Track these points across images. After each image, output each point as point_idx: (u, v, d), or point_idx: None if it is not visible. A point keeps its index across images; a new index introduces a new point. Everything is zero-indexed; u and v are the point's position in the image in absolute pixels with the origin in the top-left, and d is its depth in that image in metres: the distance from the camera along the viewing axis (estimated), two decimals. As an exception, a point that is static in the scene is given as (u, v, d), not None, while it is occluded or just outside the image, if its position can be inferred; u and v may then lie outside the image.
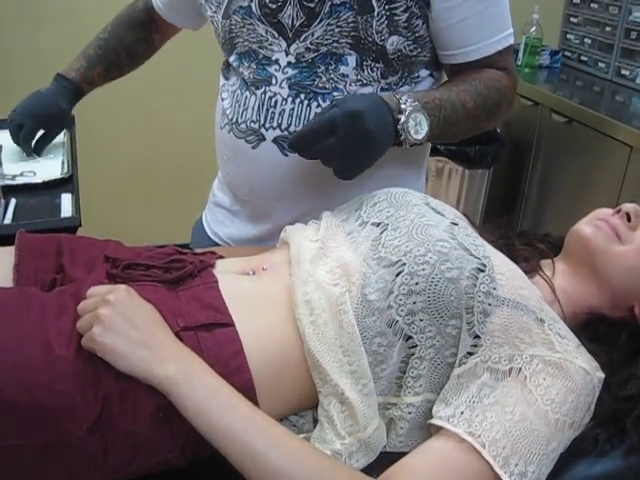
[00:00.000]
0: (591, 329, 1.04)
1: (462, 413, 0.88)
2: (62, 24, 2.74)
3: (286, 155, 1.23)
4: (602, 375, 0.93)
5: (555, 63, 3.27)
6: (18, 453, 0.82)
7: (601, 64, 3.08)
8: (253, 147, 1.25)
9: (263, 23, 1.20)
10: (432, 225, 1.00)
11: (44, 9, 2.74)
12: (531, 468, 0.85)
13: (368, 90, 1.21)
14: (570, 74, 3.21)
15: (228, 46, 1.28)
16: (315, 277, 0.98)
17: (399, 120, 1.09)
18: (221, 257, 1.13)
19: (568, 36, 3.30)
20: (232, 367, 0.91)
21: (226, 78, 1.35)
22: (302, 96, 1.21)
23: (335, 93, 1.21)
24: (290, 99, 1.22)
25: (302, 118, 1.22)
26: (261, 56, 1.22)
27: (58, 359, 0.85)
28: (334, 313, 0.94)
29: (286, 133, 1.22)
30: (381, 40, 1.16)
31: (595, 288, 1.07)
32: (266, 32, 1.20)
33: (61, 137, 1.75)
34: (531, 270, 1.10)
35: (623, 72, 2.95)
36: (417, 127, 1.11)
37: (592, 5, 3.12)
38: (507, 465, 0.84)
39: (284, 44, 1.20)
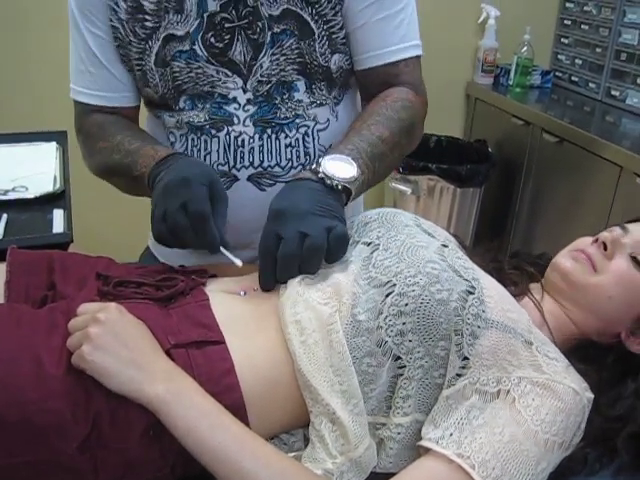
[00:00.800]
0: (581, 351, 1.04)
1: (451, 435, 0.89)
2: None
3: (263, 190, 1.23)
4: (591, 395, 0.94)
5: (546, 83, 3.29)
6: (8, 471, 0.82)
7: (592, 84, 3.10)
8: (227, 188, 1.21)
9: (213, 64, 1.17)
10: (423, 246, 1.01)
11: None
12: None
13: (325, 110, 1.23)
14: (561, 94, 3.24)
15: (174, 93, 1.20)
16: (305, 297, 0.99)
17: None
18: (213, 276, 1.13)
19: (559, 57, 3.33)
20: (223, 385, 0.91)
21: (157, 117, 1.29)
22: (269, 131, 1.21)
23: (297, 120, 1.21)
24: (257, 136, 1.21)
25: (273, 152, 1.21)
26: (216, 95, 1.19)
27: (48, 377, 0.85)
28: (325, 333, 0.94)
29: (260, 169, 1.21)
30: (325, 61, 1.18)
31: (580, 317, 1.08)
32: (217, 72, 1.17)
33: (53, 152, 1.75)
34: (520, 294, 1.10)
35: (613, 93, 2.98)
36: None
37: (582, 26, 3.15)
38: None
39: (240, 81, 1.18)
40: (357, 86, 1.31)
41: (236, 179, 1.23)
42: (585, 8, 3.13)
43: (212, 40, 1.15)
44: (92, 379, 0.85)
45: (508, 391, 0.90)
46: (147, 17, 1.16)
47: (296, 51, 1.17)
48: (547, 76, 3.29)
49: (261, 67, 1.18)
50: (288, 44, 1.16)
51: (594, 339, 1.07)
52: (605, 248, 1.08)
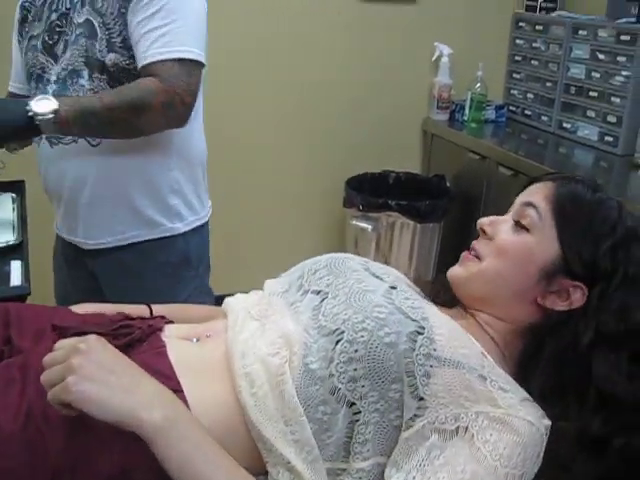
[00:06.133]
0: (531, 361, 1.04)
1: (414, 478, 0.89)
2: None
3: (52, 147, 1.62)
4: (548, 422, 0.94)
5: (500, 117, 3.36)
6: None
7: (544, 117, 3.18)
8: (38, 145, 1.65)
9: (44, 55, 1.60)
10: (370, 291, 1.01)
11: None
12: None
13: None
14: (515, 127, 3.31)
15: (28, 75, 1.66)
16: (255, 349, 0.99)
17: (27, 104, 1.39)
18: (170, 322, 1.13)
19: (512, 91, 3.41)
20: None
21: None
22: None
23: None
24: None
25: None
26: (45, 78, 1.61)
27: (5, 436, 0.84)
28: (274, 384, 0.95)
29: None
30: (102, 57, 1.52)
31: (498, 309, 1.08)
32: (46, 61, 1.60)
33: (10, 203, 1.74)
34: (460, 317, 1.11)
35: (565, 125, 3.05)
36: (41, 103, 1.39)
37: (533, 62, 3.24)
38: None
39: (56, 68, 1.59)
40: None
41: (41, 138, 1.61)
42: (534, 44, 3.22)
43: (46, 38, 1.60)
44: (50, 433, 0.85)
45: (467, 427, 0.91)
46: (26, 25, 1.65)
47: (83, 47, 1.54)
48: (501, 110, 3.37)
49: (65, 58, 1.57)
50: (81, 42, 1.54)
51: (528, 325, 1.06)
52: (485, 233, 1.10)
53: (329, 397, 0.93)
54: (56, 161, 1.64)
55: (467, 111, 3.28)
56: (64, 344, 0.88)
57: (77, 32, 1.54)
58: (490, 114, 3.33)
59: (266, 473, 0.95)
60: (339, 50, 3.14)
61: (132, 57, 1.52)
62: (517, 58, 3.36)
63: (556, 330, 1.03)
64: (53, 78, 1.59)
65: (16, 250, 1.54)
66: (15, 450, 0.83)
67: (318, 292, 1.06)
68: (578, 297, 1.03)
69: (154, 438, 0.83)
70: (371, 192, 3.02)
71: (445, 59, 3.26)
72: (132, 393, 0.84)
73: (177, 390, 0.94)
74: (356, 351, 0.93)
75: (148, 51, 1.48)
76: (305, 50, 3.05)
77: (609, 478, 0.97)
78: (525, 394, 0.97)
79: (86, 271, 1.76)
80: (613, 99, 2.80)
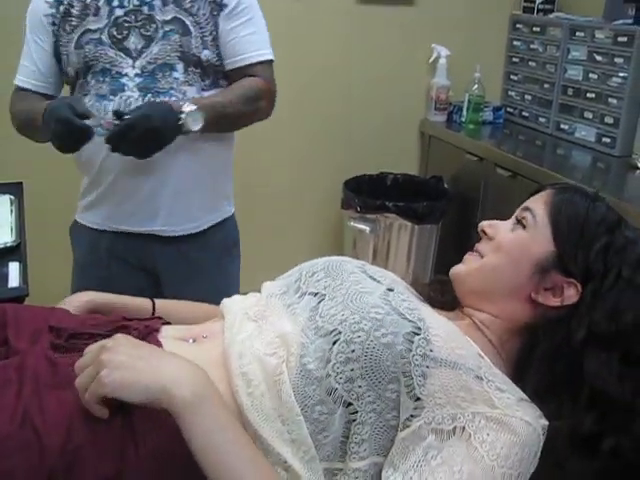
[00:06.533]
0: (526, 360, 1.05)
1: (411, 478, 0.89)
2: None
3: None
4: (545, 422, 0.95)
5: (498, 119, 3.37)
6: None
7: (542, 119, 3.18)
8: None
9: (112, 49, 1.67)
10: (367, 292, 1.02)
11: None
12: None
13: (193, 89, 1.70)
14: (513, 129, 3.31)
15: (84, 69, 1.70)
16: (253, 349, 1.00)
17: (180, 118, 1.55)
18: (167, 323, 1.13)
19: (509, 93, 3.41)
20: (179, 432, 0.91)
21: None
22: (149, 95, 1.67)
23: (171, 91, 1.68)
24: (140, 98, 1.66)
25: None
26: (114, 72, 1.67)
27: (1, 437, 0.84)
28: (271, 384, 0.95)
29: None
30: (198, 53, 1.68)
31: (495, 306, 1.09)
32: (115, 55, 1.67)
33: (8, 204, 1.75)
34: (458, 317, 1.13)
35: (562, 126, 3.05)
36: (194, 121, 1.56)
37: (530, 63, 3.24)
38: None
39: (130, 61, 1.68)
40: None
41: None
42: (532, 46, 3.22)
43: (114, 32, 1.67)
44: (46, 434, 0.85)
45: (464, 428, 0.92)
46: (73, 19, 1.69)
47: (178, 43, 1.67)
48: (498, 112, 3.37)
49: (151, 52, 1.67)
50: (173, 39, 1.67)
51: (522, 325, 1.08)
52: (486, 234, 1.13)
53: (326, 397, 0.94)
54: None
55: (465, 112, 3.28)
56: (91, 348, 0.91)
57: (165, 29, 1.67)
58: (488, 115, 3.33)
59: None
60: (337, 52, 3.14)
61: (219, 55, 1.73)
62: (514, 60, 3.37)
63: (550, 328, 1.03)
64: (134, 71, 1.67)
65: (14, 252, 1.55)
66: (11, 451, 0.84)
67: (315, 294, 1.07)
68: (572, 294, 1.04)
69: (183, 413, 0.85)
70: (369, 194, 3.02)
71: (443, 60, 3.26)
72: (161, 372, 0.88)
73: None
74: (353, 351, 0.94)
75: (245, 54, 1.73)
76: (303, 52, 3.05)
77: (603, 477, 0.98)
78: (522, 394, 0.97)
79: (138, 264, 1.82)
80: (610, 100, 2.80)
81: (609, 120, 2.81)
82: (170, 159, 1.68)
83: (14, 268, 1.48)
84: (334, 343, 0.95)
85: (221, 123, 1.69)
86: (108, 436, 0.89)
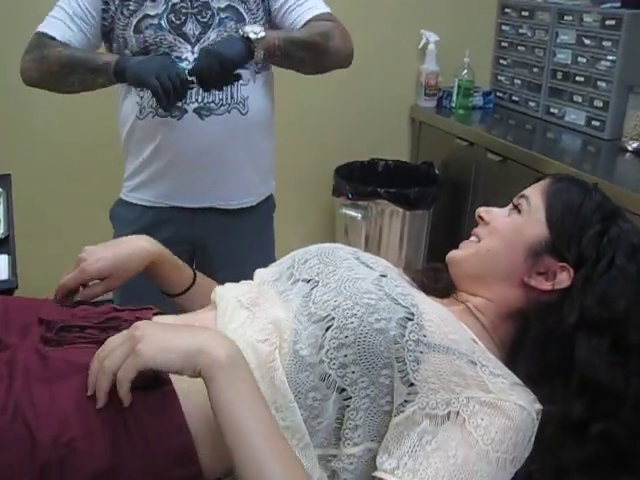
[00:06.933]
0: (519, 345, 1.05)
1: (406, 464, 0.90)
2: None
3: (203, 119, 1.76)
4: (540, 406, 0.95)
5: (488, 104, 3.36)
6: None
7: (531, 103, 3.18)
8: (178, 119, 1.75)
9: (171, 34, 1.74)
10: (360, 278, 1.02)
11: None
12: None
13: (247, 72, 1.76)
14: (503, 113, 3.31)
15: (143, 53, 1.73)
16: (245, 337, 1.00)
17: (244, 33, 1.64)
18: (159, 313, 1.13)
19: (499, 77, 3.41)
20: (171, 427, 0.91)
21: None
22: None
23: None
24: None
25: (210, 92, 1.72)
26: (174, 56, 1.73)
27: None
28: (265, 370, 0.95)
29: (202, 104, 1.75)
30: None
31: (489, 290, 1.10)
32: (174, 40, 1.74)
33: (-4, 197, 1.74)
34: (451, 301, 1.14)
35: (552, 110, 3.05)
36: (254, 32, 1.64)
37: (519, 48, 3.23)
38: None
39: (189, 47, 1.75)
40: (273, 77, 1.94)
41: (186, 111, 1.74)
42: (520, 30, 3.21)
43: (172, 18, 1.74)
44: (38, 428, 0.85)
45: (458, 412, 0.92)
46: (131, 3, 1.74)
47: (234, 29, 1.75)
48: (488, 97, 3.36)
49: (208, 39, 1.75)
50: (229, 25, 1.76)
51: (521, 306, 1.08)
52: (482, 219, 1.15)
53: (319, 383, 0.94)
54: (206, 131, 1.77)
55: (455, 98, 3.27)
56: (114, 338, 0.92)
57: (222, 15, 1.76)
58: (478, 100, 3.32)
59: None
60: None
61: None
62: (503, 44, 3.36)
63: (542, 313, 1.04)
64: (193, 56, 1.73)
65: (3, 244, 1.55)
66: (3, 446, 0.83)
67: (308, 280, 1.07)
68: (564, 278, 1.05)
69: (217, 375, 0.86)
70: (360, 180, 3.02)
71: (432, 46, 3.25)
72: (196, 337, 0.90)
73: (166, 380, 0.94)
74: (346, 337, 0.94)
75: (303, 14, 1.79)
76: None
77: (594, 464, 0.98)
78: (516, 379, 0.97)
79: (185, 239, 1.88)
80: (599, 84, 2.80)
81: (598, 103, 2.81)
82: (227, 138, 1.79)
83: (3, 260, 1.47)
84: (327, 329, 0.95)
85: (290, 50, 1.72)
86: (101, 429, 0.89)
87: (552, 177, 1.16)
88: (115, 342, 0.90)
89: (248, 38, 1.64)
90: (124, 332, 0.91)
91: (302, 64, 1.80)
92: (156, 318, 1.10)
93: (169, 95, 1.55)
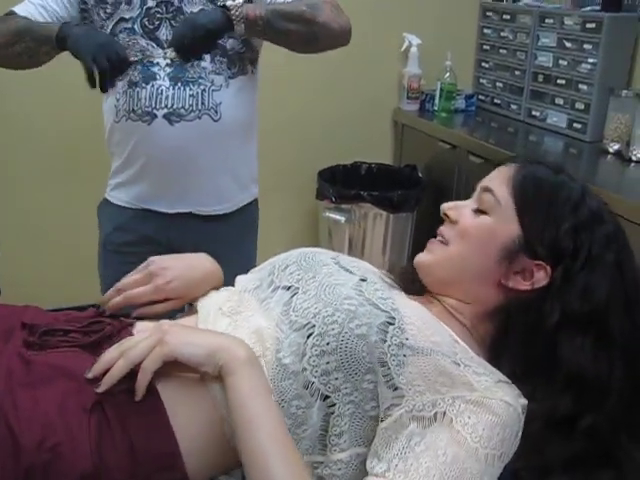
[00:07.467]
0: (501, 344, 1.04)
1: (396, 466, 0.90)
2: None
3: (172, 125, 1.73)
4: (525, 401, 0.96)
5: (470, 106, 3.37)
6: None
7: (513, 106, 3.20)
8: (148, 124, 1.72)
9: (144, 38, 1.72)
10: (340, 284, 1.02)
11: None
12: None
13: (220, 78, 1.75)
14: (485, 116, 3.33)
15: None
16: None
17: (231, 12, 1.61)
18: (141, 318, 1.12)
19: (481, 80, 3.42)
20: (157, 436, 0.90)
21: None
22: (179, 84, 1.72)
23: (200, 80, 1.73)
24: (171, 87, 1.71)
25: (181, 99, 1.72)
26: (146, 61, 1.72)
27: None
28: None
29: (172, 110, 1.72)
30: (223, 43, 1.73)
31: (465, 293, 1.07)
32: (147, 44, 1.72)
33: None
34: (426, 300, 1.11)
35: (534, 113, 3.07)
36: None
37: (501, 51, 3.25)
38: None
39: (161, 52, 1.73)
40: (256, 81, 1.89)
41: (155, 117, 1.72)
42: (502, 33, 3.24)
43: (146, 23, 1.72)
44: (22, 432, 0.84)
45: (444, 413, 0.92)
46: (107, 7, 1.73)
47: None
48: (471, 99, 3.38)
49: None
50: None
51: (500, 305, 1.06)
52: (449, 217, 1.10)
53: (303, 391, 0.94)
54: (175, 137, 1.74)
55: (437, 101, 3.29)
56: (133, 337, 0.98)
57: None
58: (460, 103, 3.33)
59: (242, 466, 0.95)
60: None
61: (244, 42, 1.77)
62: (485, 47, 3.38)
63: (522, 312, 1.02)
64: (165, 61, 1.72)
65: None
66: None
67: (288, 288, 1.06)
68: (541, 276, 1.02)
69: (237, 370, 0.91)
70: (343, 184, 3.02)
71: (414, 49, 3.26)
72: (217, 336, 0.98)
73: (149, 388, 0.94)
74: (328, 344, 0.94)
75: None
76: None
77: (579, 460, 0.98)
78: (500, 375, 0.98)
79: (165, 243, 1.85)
80: (581, 86, 2.82)
81: (580, 106, 2.83)
82: (199, 144, 1.76)
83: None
84: (308, 337, 0.95)
85: (274, 22, 1.67)
86: (85, 433, 0.88)
87: (516, 165, 1.10)
88: (141, 336, 0.94)
89: (225, 6, 1.62)
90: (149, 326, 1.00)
91: (288, 38, 1.72)
92: (138, 323, 1.10)
93: (104, 76, 1.54)
